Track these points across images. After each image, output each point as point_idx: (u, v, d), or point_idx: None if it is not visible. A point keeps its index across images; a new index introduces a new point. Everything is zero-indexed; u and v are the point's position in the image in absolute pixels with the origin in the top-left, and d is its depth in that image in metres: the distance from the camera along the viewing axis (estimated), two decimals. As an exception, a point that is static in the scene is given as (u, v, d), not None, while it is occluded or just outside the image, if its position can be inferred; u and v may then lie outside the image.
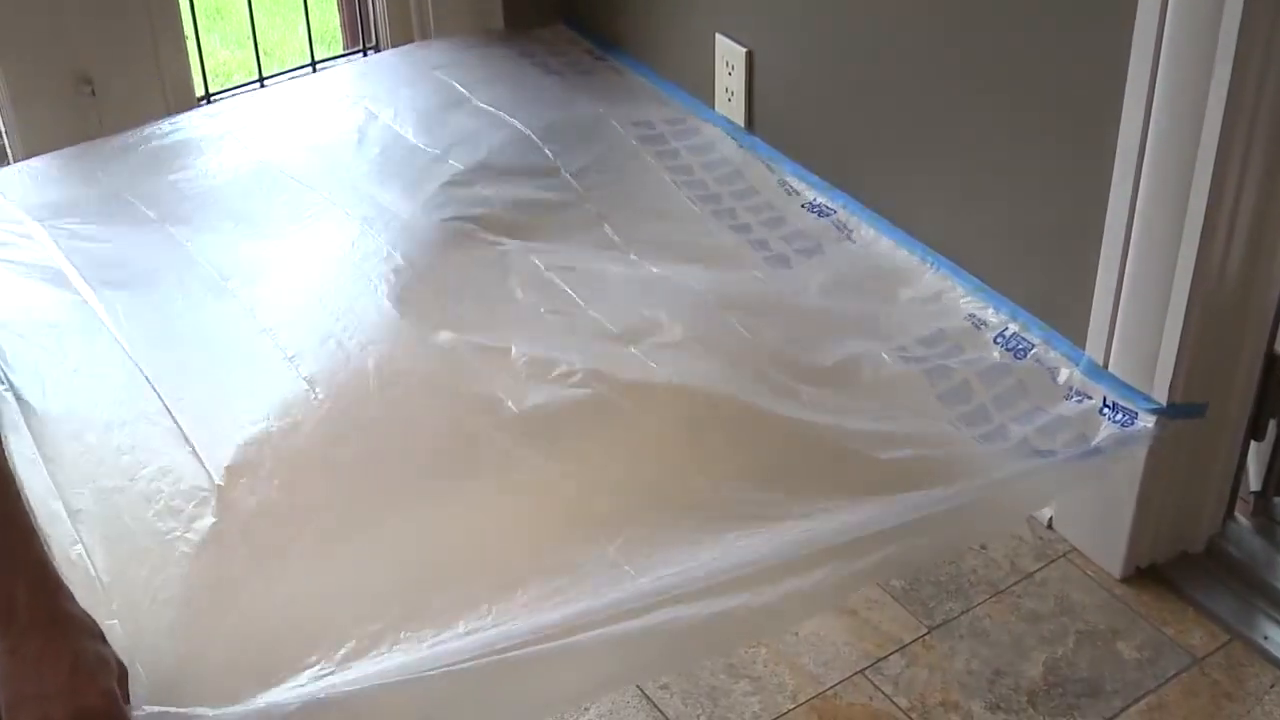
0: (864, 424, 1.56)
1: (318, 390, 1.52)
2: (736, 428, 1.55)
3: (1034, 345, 1.71)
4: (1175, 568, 1.73)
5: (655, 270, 1.81)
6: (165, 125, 2.08)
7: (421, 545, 1.39)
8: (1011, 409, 1.65)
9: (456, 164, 1.97)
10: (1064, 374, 1.68)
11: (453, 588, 1.33)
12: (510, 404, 1.52)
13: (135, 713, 1.12)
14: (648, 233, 1.90)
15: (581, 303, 1.72)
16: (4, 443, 1.21)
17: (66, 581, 1.10)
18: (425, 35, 2.37)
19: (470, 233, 1.84)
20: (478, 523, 1.43)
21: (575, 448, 1.50)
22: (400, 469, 1.47)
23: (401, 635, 1.28)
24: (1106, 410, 1.63)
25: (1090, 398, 1.65)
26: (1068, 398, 1.66)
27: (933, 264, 1.85)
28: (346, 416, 1.51)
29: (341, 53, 2.48)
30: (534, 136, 2.06)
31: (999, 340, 1.73)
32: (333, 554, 1.37)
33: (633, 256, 1.85)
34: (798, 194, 2.02)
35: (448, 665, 1.24)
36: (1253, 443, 1.74)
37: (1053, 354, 1.69)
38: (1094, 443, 1.60)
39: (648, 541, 1.39)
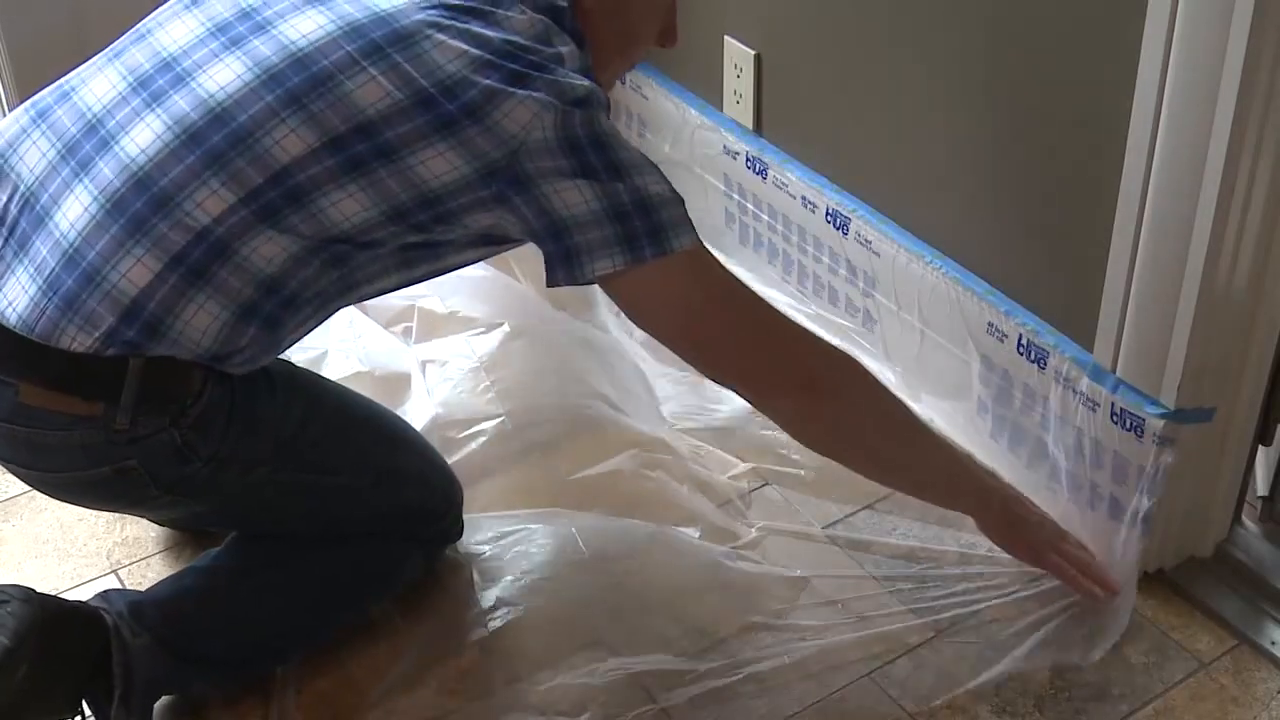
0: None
1: None
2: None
3: (1048, 351, 1.72)
4: (1182, 572, 1.73)
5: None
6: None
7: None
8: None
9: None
10: (1078, 380, 1.68)
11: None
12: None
13: None
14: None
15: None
16: None
17: None
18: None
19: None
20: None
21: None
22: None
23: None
24: (1115, 416, 1.63)
25: (1098, 403, 1.65)
26: (1082, 404, 1.67)
27: (941, 267, 1.85)
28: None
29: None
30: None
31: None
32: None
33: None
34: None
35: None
36: (1261, 448, 1.74)
37: (1066, 359, 1.70)
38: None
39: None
